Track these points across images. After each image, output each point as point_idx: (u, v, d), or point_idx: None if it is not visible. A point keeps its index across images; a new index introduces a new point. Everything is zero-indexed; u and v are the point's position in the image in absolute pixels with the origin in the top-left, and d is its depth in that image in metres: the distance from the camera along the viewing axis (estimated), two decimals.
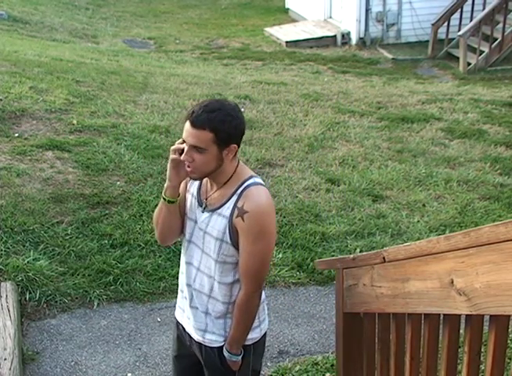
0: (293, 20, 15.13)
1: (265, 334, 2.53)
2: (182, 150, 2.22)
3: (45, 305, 4.03)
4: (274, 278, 4.47)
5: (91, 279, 4.26)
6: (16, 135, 5.99)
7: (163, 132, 6.54)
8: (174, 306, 2.64)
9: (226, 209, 2.27)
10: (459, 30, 11.60)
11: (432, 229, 5.15)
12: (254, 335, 2.43)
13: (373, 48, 12.85)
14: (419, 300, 2.13)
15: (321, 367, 3.67)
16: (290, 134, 7.02)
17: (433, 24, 12.02)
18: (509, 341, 3.18)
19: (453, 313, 2.01)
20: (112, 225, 4.79)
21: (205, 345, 2.44)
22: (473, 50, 11.38)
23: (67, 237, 4.59)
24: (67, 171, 5.47)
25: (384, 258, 2.35)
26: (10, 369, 3.30)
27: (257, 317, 2.40)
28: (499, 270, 1.68)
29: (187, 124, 2.19)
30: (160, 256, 4.55)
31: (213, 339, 2.42)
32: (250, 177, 2.30)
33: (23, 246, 4.42)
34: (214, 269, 2.34)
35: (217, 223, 2.29)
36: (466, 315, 1.93)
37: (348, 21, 13.06)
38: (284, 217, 5.17)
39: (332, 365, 3.62)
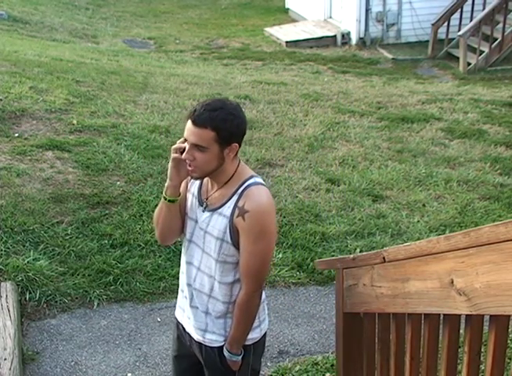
0: (293, 20, 15.13)
1: (265, 334, 2.53)
2: (183, 149, 2.23)
3: (45, 305, 4.03)
4: (274, 278, 4.47)
5: (91, 279, 4.26)
6: (16, 135, 5.99)
7: (163, 132, 6.54)
8: (174, 306, 2.64)
9: (227, 209, 2.27)
10: (459, 30, 11.60)
11: (432, 229, 5.15)
12: (254, 335, 2.43)
13: (373, 48, 12.85)
14: (419, 300, 2.13)
15: (321, 367, 3.67)
16: (290, 134, 7.01)
17: (433, 24, 12.02)
18: (509, 341, 3.18)
19: (453, 313, 2.01)
20: (112, 225, 4.79)
21: (205, 345, 2.44)
22: (473, 50, 11.38)
23: (67, 237, 4.59)
24: (67, 171, 5.47)
25: (384, 258, 2.35)
26: (10, 369, 3.30)
27: (257, 317, 2.40)
28: (499, 270, 1.68)
29: (189, 123, 2.19)
30: (160, 256, 4.55)
31: (213, 339, 2.42)
32: (251, 177, 2.30)
33: (23, 246, 4.42)
34: (215, 269, 2.34)
35: (217, 223, 2.29)
36: (466, 315, 1.93)
37: (348, 21, 13.06)
38: (284, 217, 5.17)
39: (332, 365, 3.62)
